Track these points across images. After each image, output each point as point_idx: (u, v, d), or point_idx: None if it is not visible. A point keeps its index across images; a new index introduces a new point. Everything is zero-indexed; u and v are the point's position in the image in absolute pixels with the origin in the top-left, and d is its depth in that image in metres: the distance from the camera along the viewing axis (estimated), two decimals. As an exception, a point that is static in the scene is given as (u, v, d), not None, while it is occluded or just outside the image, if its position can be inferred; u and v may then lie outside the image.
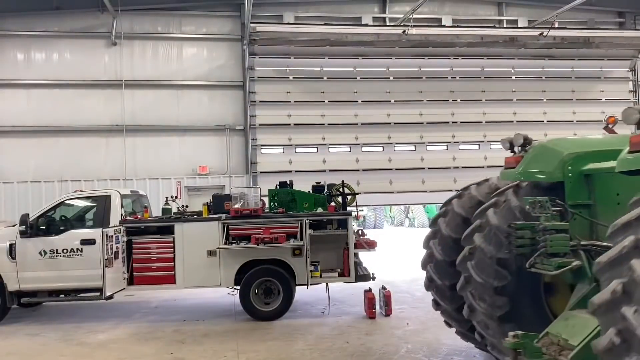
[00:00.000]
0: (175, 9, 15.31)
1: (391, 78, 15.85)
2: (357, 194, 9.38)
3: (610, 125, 6.18)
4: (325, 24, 14.98)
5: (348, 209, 8.87)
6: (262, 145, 15.46)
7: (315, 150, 15.65)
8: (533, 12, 16.69)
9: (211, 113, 15.29)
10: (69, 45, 14.91)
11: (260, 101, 15.29)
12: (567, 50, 16.11)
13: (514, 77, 16.46)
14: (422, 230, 30.63)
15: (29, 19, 14.77)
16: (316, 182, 9.35)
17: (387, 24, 15.94)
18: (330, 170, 15.48)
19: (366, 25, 15.73)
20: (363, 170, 15.79)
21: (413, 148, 16.15)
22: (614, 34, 16.36)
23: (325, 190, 9.12)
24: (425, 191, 16.08)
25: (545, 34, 15.15)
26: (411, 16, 14.36)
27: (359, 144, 15.85)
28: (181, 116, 15.17)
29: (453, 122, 16.23)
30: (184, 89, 15.28)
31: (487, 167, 15.84)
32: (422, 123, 16.05)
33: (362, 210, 30.57)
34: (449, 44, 15.25)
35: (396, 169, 15.95)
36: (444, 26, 15.89)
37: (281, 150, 15.52)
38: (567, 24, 16.22)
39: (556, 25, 15.40)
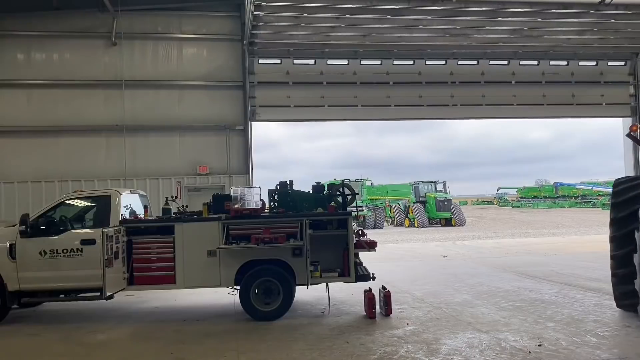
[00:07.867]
0: (175, 9, 15.32)
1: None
2: (357, 194, 9.36)
3: (633, 133, 6.14)
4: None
5: (348, 209, 8.86)
6: (260, 57, 15.53)
7: (312, 62, 15.83)
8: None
9: (211, 113, 15.30)
10: (69, 45, 14.93)
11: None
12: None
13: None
14: (422, 231, 30.64)
15: (29, 19, 14.78)
16: (316, 182, 9.33)
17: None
18: (327, 83, 15.75)
19: None
20: (361, 83, 15.97)
21: (411, 62, 16.35)
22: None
23: (325, 190, 9.11)
24: (422, 105, 16.36)
25: (608, 1, 13.36)
26: None
27: (357, 58, 15.98)
28: (181, 116, 15.18)
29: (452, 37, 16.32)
30: (184, 89, 15.29)
31: (485, 82, 16.67)
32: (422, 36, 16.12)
33: (362, 210, 30.54)
34: (492, 13, 14.00)
35: (394, 83, 16.17)
36: None
37: (278, 60, 15.63)
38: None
39: None
